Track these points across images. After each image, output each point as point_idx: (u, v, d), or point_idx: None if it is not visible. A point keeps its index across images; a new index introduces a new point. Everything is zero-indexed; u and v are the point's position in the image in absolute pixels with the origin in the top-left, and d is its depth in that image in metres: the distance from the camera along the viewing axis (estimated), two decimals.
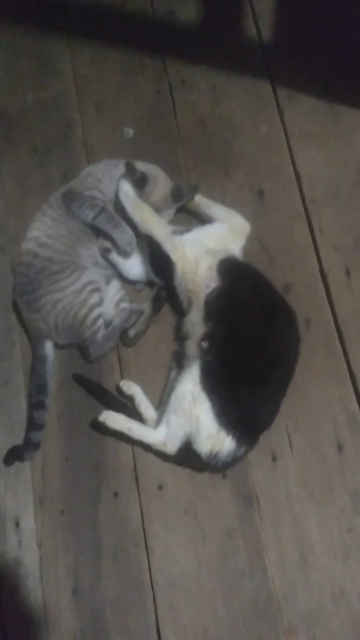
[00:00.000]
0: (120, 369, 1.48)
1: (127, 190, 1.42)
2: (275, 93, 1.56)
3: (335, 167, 1.47)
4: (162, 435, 1.31)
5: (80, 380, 1.47)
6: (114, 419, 1.35)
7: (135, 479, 1.37)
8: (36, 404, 1.43)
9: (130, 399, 1.39)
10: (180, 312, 1.41)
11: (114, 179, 1.47)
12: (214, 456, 1.26)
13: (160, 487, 1.36)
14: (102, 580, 1.34)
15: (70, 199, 1.46)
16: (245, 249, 1.44)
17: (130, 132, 1.66)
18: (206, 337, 1.32)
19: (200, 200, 1.47)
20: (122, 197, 1.42)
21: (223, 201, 1.49)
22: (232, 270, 1.35)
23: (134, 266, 1.47)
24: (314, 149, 1.49)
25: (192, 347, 1.34)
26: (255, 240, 1.47)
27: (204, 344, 1.31)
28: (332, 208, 1.45)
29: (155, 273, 1.43)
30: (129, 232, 1.42)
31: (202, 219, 1.47)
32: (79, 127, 1.72)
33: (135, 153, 1.62)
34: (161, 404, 1.38)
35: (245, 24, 1.65)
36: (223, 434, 1.24)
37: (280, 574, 1.25)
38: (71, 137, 1.72)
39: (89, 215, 1.43)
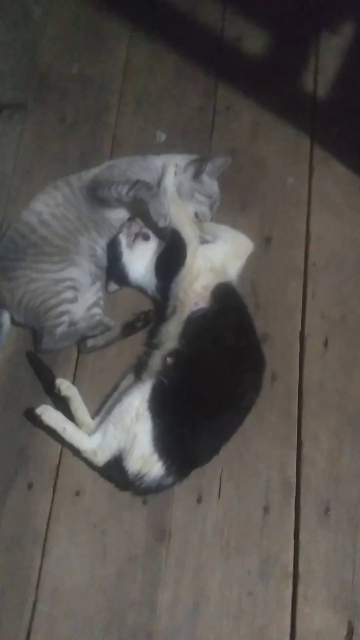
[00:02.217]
0: (77, 362, 1.43)
1: (168, 183, 1.41)
2: (311, 151, 1.57)
3: (346, 239, 1.48)
4: (95, 443, 1.27)
5: (33, 361, 1.41)
6: (50, 415, 1.30)
7: (55, 477, 1.33)
8: None
9: (66, 400, 1.33)
10: (160, 316, 1.38)
11: (142, 171, 1.44)
12: (139, 477, 1.22)
13: (77, 493, 1.31)
14: None
15: (96, 187, 1.42)
16: (238, 285, 1.43)
17: (162, 137, 1.64)
18: (173, 354, 1.29)
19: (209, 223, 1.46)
20: (164, 186, 1.41)
21: None
22: (224, 298, 1.34)
23: (140, 266, 1.43)
24: (332, 215, 1.50)
25: (156, 359, 1.31)
26: (248, 282, 1.46)
27: (169, 360, 1.29)
28: (330, 277, 1.45)
29: (157, 272, 1.40)
30: (165, 205, 1.38)
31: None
32: (114, 114, 1.69)
33: None
34: (102, 411, 1.34)
35: (305, 74, 1.66)
36: (155, 457, 1.21)
37: (168, 616, 1.21)
38: (103, 120, 1.69)
39: (124, 189, 1.38)
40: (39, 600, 1.24)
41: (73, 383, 1.40)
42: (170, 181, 1.43)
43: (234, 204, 1.53)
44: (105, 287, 1.48)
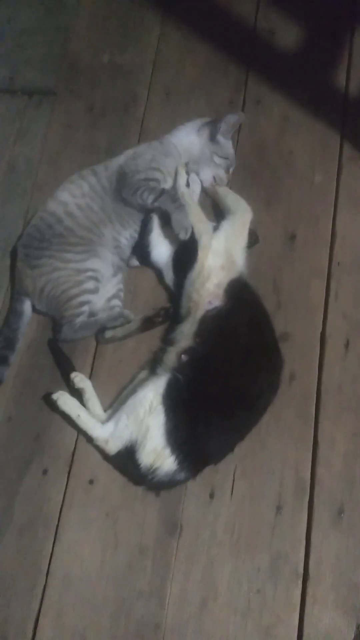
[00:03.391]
0: (95, 353, 1.44)
1: (181, 185, 1.44)
2: (341, 148, 1.55)
3: None
4: (108, 432, 1.27)
5: (54, 349, 1.42)
6: (65, 401, 1.32)
7: (70, 464, 1.33)
8: (0, 358, 1.39)
9: (80, 392, 1.34)
10: (176, 318, 1.38)
11: (166, 157, 1.45)
12: (152, 471, 1.22)
13: (91, 481, 1.32)
14: (0, 551, 1.29)
15: (122, 182, 1.42)
16: (258, 287, 1.42)
17: None
18: (189, 352, 1.29)
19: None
20: (178, 189, 1.44)
21: (255, 229, 1.46)
22: (239, 295, 1.33)
23: (165, 250, 1.43)
24: (359, 216, 1.48)
25: (171, 355, 1.31)
26: (270, 280, 1.46)
27: (184, 357, 1.29)
28: (354, 278, 1.44)
29: (174, 268, 1.41)
30: (189, 218, 1.38)
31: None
32: (142, 105, 1.68)
33: None
34: (116, 402, 1.34)
35: (338, 71, 1.63)
36: (167, 451, 1.21)
37: (177, 609, 1.22)
38: (132, 111, 1.68)
39: (149, 199, 1.39)
40: (48, 585, 1.26)
41: (91, 373, 1.41)
42: (183, 183, 1.44)
43: (259, 199, 1.51)
44: (127, 261, 1.48)
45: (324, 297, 1.43)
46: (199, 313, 1.32)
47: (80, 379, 1.35)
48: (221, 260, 1.36)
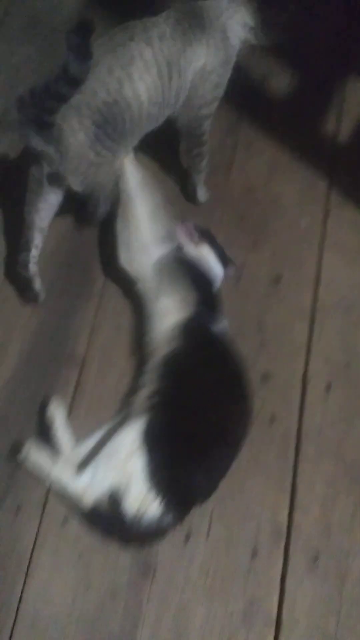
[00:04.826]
0: (75, 387, 1.42)
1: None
2: (328, 194, 1.58)
3: (356, 286, 1.48)
4: (84, 483, 1.23)
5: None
6: (35, 452, 1.28)
7: (45, 502, 1.31)
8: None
9: (50, 420, 1.32)
10: (143, 358, 1.38)
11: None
12: (138, 518, 1.19)
13: (65, 521, 1.29)
14: None
15: (186, 106, 1.38)
16: (242, 326, 1.43)
17: None
18: (158, 394, 1.27)
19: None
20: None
21: (243, 268, 1.48)
22: (194, 334, 1.31)
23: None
24: (343, 260, 1.51)
25: (143, 398, 1.29)
26: (255, 319, 1.47)
27: (155, 399, 1.27)
28: (337, 322, 1.45)
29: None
30: None
31: None
32: None
33: (178, 193, 1.62)
34: (91, 445, 1.30)
35: (329, 117, 1.68)
36: (151, 495, 1.19)
37: None
38: None
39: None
40: (17, 627, 1.22)
41: (71, 408, 1.40)
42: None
43: (246, 240, 1.54)
44: None
45: (306, 339, 1.44)
46: (160, 355, 1.32)
47: (55, 406, 1.34)
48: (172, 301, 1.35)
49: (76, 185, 1.34)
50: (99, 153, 1.30)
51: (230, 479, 1.29)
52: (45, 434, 1.32)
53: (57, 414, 1.33)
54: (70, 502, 1.26)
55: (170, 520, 1.21)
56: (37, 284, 1.48)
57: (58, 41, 1.60)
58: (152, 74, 1.27)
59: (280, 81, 1.74)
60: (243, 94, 1.72)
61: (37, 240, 1.45)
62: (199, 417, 1.25)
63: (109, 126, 1.28)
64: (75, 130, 1.26)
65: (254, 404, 1.32)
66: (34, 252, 1.46)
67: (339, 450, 1.33)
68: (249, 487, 1.30)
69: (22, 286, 1.49)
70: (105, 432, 1.30)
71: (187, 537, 1.27)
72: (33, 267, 1.46)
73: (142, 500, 1.18)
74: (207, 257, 1.41)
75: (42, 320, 1.50)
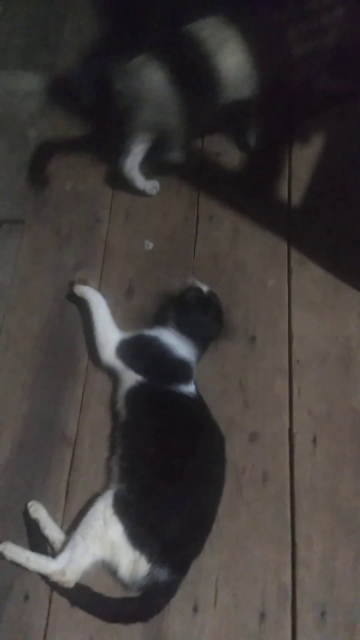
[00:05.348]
0: (71, 466, 1.46)
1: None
2: (289, 254, 1.68)
3: (326, 337, 1.55)
4: (63, 562, 1.26)
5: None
6: (11, 549, 1.31)
7: (51, 587, 1.32)
8: None
9: (35, 522, 1.35)
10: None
11: None
12: (133, 581, 1.24)
13: (73, 604, 1.30)
14: None
15: None
16: (225, 387, 1.50)
17: (150, 245, 1.75)
18: (123, 459, 1.37)
19: None
20: None
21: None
22: (142, 403, 1.42)
23: None
24: (312, 315, 1.58)
25: (114, 467, 1.39)
26: (236, 380, 1.52)
27: (116, 468, 1.37)
28: (314, 374, 1.51)
29: None
30: None
31: None
32: (105, 226, 1.81)
33: (148, 266, 1.72)
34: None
35: (280, 184, 1.79)
36: (137, 554, 1.24)
37: None
38: (95, 232, 1.80)
39: None
40: None
41: (67, 488, 1.43)
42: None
43: None
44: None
45: (288, 395, 1.50)
46: (119, 423, 1.44)
47: (35, 509, 1.37)
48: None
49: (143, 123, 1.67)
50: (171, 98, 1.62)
51: (230, 544, 1.32)
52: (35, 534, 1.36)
53: (40, 514, 1.36)
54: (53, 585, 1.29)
55: (167, 576, 1.23)
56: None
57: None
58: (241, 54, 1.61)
59: (231, 156, 1.86)
60: (199, 171, 1.85)
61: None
62: (160, 471, 1.31)
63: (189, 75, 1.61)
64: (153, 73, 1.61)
65: (220, 448, 1.38)
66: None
67: (333, 501, 1.35)
68: (250, 549, 1.32)
69: None
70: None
71: (195, 608, 1.27)
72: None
73: (133, 563, 1.23)
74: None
75: (32, 404, 1.55)
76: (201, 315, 1.50)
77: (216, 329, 1.53)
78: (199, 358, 1.50)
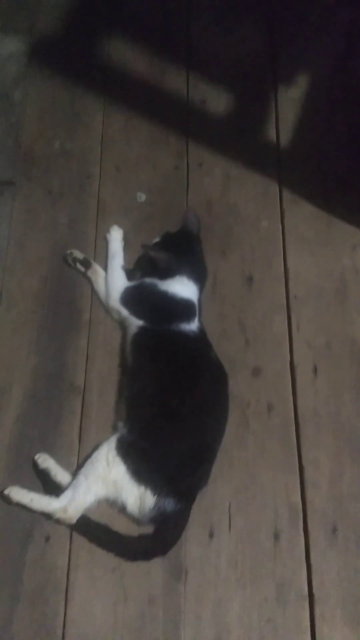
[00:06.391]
0: (82, 414, 1.50)
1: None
2: (280, 194, 1.70)
3: (321, 272, 1.58)
4: (65, 500, 1.32)
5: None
6: (17, 492, 1.37)
7: (71, 526, 1.37)
8: None
9: (46, 471, 1.40)
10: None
11: None
12: (142, 515, 1.30)
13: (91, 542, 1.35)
14: (14, 623, 1.30)
15: None
16: (225, 328, 1.53)
17: (142, 197, 1.77)
18: (122, 403, 1.44)
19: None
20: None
21: (215, 277, 1.59)
22: (146, 347, 1.46)
23: None
24: (306, 251, 1.61)
25: (120, 409, 1.44)
26: (235, 320, 1.56)
27: (125, 408, 1.42)
28: (311, 308, 1.55)
29: None
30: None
31: None
32: (96, 182, 1.82)
33: (143, 218, 1.73)
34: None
35: (268, 126, 1.81)
36: (142, 489, 1.29)
37: None
38: (87, 189, 1.82)
39: None
40: None
41: (80, 434, 1.47)
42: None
43: (215, 251, 1.64)
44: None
45: (287, 330, 1.53)
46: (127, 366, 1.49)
47: (43, 459, 1.41)
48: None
49: None
50: None
51: (240, 471, 1.37)
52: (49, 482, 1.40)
53: (48, 463, 1.41)
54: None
55: (174, 506, 1.29)
56: None
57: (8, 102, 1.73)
58: None
59: (217, 102, 1.87)
60: (186, 119, 1.86)
61: None
62: (162, 409, 1.36)
63: None
64: None
65: (223, 383, 1.42)
66: None
67: (336, 424, 1.40)
68: (259, 477, 1.37)
69: None
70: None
71: (211, 535, 1.33)
72: None
73: (139, 497, 1.28)
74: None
75: (39, 360, 1.59)
76: (190, 251, 1.55)
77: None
78: (200, 291, 1.54)
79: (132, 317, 1.51)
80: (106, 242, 1.68)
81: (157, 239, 1.60)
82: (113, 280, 1.59)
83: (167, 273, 1.51)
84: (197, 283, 1.54)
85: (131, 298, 1.54)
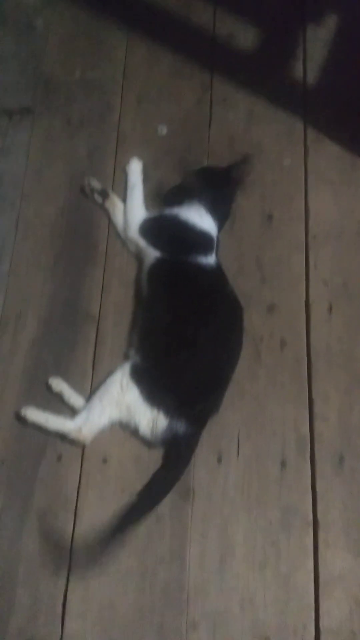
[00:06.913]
0: (96, 341, 1.51)
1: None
2: (305, 133, 1.67)
3: (342, 213, 1.57)
4: (80, 421, 1.36)
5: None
6: (32, 412, 1.40)
7: (83, 447, 1.40)
8: None
9: (59, 394, 1.43)
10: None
11: None
12: (155, 437, 1.33)
13: (104, 460, 1.39)
14: (24, 536, 1.34)
15: None
16: (242, 265, 1.53)
17: (164, 130, 1.74)
18: (137, 332, 1.45)
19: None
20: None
21: (234, 214, 1.58)
22: (162, 279, 1.46)
23: None
24: (328, 191, 1.59)
25: (134, 338, 1.46)
26: (253, 258, 1.55)
27: (139, 337, 1.44)
28: (330, 248, 1.54)
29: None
30: None
31: None
32: (117, 113, 1.79)
33: (164, 151, 1.71)
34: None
35: (295, 64, 1.76)
36: (155, 412, 1.32)
37: (198, 569, 1.28)
38: (107, 119, 1.79)
39: None
40: (73, 563, 1.31)
41: (94, 361, 1.49)
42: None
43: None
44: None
45: (304, 268, 1.53)
46: (142, 296, 1.50)
47: (57, 383, 1.44)
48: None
49: None
50: None
51: (251, 402, 1.39)
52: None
53: (62, 386, 1.44)
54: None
55: (185, 429, 1.31)
56: None
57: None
58: None
59: (244, 37, 1.82)
60: (212, 53, 1.81)
61: None
62: (176, 337, 1.37)
63: None
64: None
65: (238, 314, 1.43)
66: None
67: (348, 361, 1.41)
68: (270, 408, 1.39)
69: None
70: None
71: (219, 459, 1.36)
72: None
73: (152, 420, 1.32)
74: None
75: (55, 288, 1.59)
76: (222, 189, 1.54)
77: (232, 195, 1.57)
78: (219, 229, 1.53)
79: (150, 248, 1.50)
80: (125, 174, 1.66)
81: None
82: (132, 211, 1.58)
83: (189, 195, 1.51)
84: (217, 219, 1.53)
85: (150, 228, 1.53)
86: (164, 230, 1.52)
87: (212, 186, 1.53)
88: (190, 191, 1.53)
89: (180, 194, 1.55)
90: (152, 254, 1.49)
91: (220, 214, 1.54)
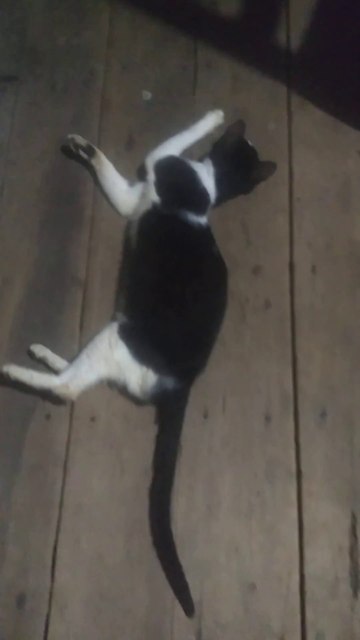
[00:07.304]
0: (83, 307, 1.53)
1: None
2: (289, 98, 1.68)
3: (325, 175, 1.59)
4: (67, 377, 1.36)
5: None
6: (15, 369, 1.39)
7: (71, 405, 1.42)
8: None
9: (43, 360, 1.44)
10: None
11: None
12: (144, 393, 1.35)
13: (92, 419, 1.41)
14: (13, 493, 1.36)
15: None
16: (227, 228, 1.55)
17: (148, 95, 1.74)
18: (124, 290, 1.47)
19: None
20: None
21: None
22: (151, 230, 1.46)
23: None
24: (311, 155, 1.61)
25: (121, 298, 1.48)
26: (238, 221, 1.57)
27: (126, 296, 1.45)
28: (314, 210, 1.56)
29: None
30: None
31: None
32: (101, 79, 1.79)
33: (148, 116, 1.72)
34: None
35: (279, 30, 1.77)
36: (144, 369, 1.34)
37: (185, 520, 1.31)
38: (91, 85, 1.78)
39: None
40: (62, 517, 1.33)
41: (81, 323, 1.50)
42: None
43: None
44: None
45: (288, 231, 1.55)
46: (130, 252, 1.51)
47: (39, 349, 1.45)
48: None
49: None
50: None
51: (236, 362, 1.42)
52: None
53: (45, 352, 1.45)
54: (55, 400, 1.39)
55: (174, 384, 1.33)
56: None
57: None
58: None
59: (229, 3, 1.82)
60: (196, 19, 1.81)
61: None
62: (163, 295, 1.38)
63: None
64: None
65: (223, 275, 1.45)
66: None
67: (331, 320, 1.45)
68: (254, 365, 1.42)
69: None
70: None
71: (205, 415, 1.39)
72: None
73: (141, 377, 1.33)
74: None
75: (41, 252, 1.60)
76: (241, 168, 1.55)
77: (245, 187, 1.58)
78: (219, 201, 1.55)
79: (152, 189, 1.50)
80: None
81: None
82: (167, 145, 1.58)
83: (213, 151, 1.56)
84: (218, 189, 1.54)
85: (165, 166, 1.53)
86: (174, 173, 1.52)
87: (233, 161, 1.54)
88: (216, 148, 1.56)
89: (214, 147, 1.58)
90: (150, 197, 1.49)
91: (224, 188, 1.54)
